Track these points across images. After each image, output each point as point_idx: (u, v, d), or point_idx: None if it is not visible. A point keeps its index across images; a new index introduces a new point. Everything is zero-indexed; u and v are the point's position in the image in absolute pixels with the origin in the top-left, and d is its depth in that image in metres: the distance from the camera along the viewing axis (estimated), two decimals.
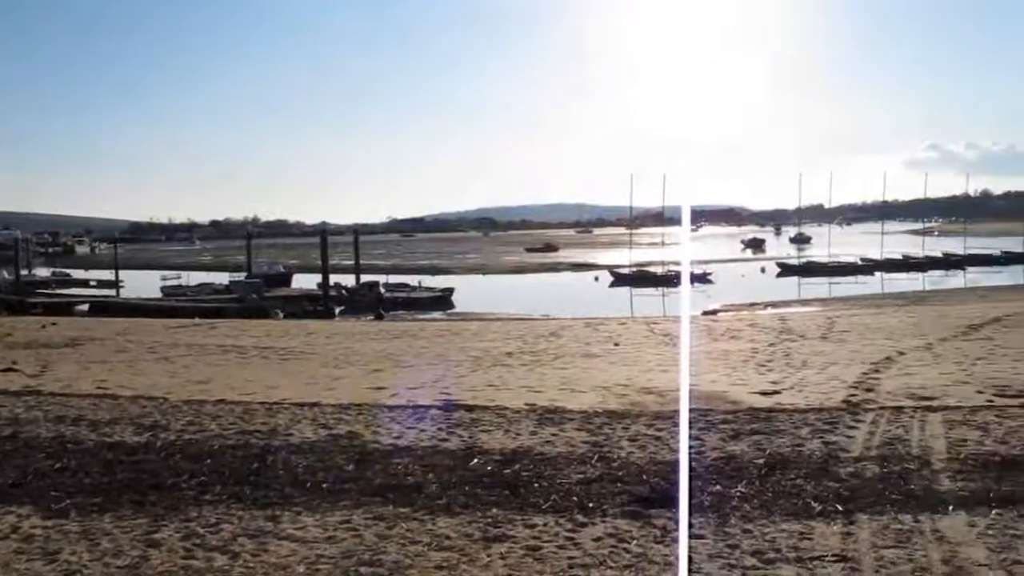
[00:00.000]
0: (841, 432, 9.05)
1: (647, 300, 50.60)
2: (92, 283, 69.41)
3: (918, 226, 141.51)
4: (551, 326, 24.59)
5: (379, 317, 41.34)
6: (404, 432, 9.49)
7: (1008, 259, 79.10)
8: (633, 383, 13.03)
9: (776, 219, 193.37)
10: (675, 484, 6.72)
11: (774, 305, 41.99)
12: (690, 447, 8.29)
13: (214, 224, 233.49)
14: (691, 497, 6.45)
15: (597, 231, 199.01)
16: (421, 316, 42.32)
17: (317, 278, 54.92)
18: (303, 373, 14.99)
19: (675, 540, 5.75)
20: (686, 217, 5.46)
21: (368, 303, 48.02)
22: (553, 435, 9.25)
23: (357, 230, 74.00)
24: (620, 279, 65.41)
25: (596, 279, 68.47)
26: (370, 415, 10.54)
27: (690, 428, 9.04)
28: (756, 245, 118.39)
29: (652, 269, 66.03)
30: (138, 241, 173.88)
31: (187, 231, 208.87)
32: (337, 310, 47.30)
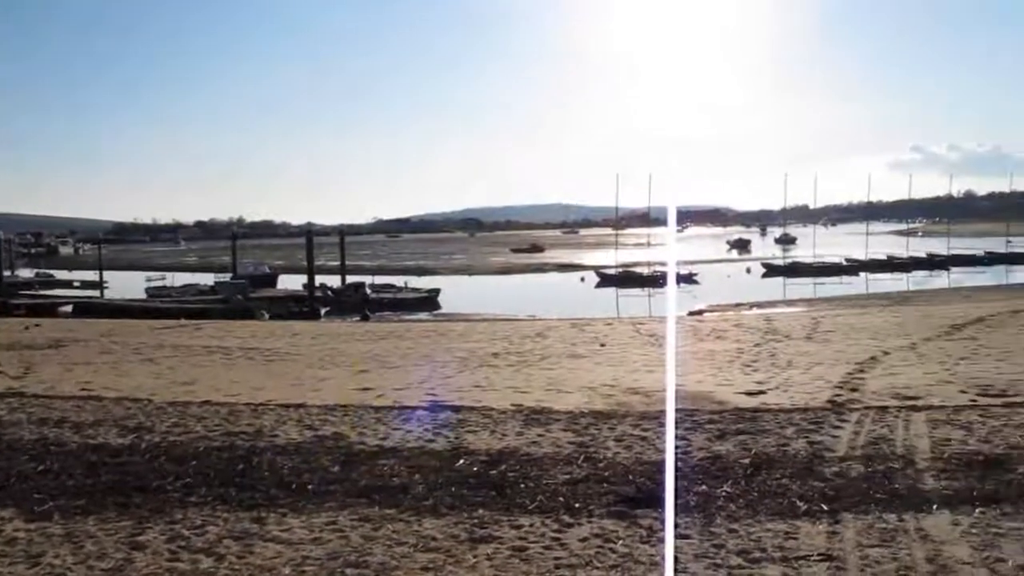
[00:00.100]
0: (826, 432, 9.08)
1: (633, 301, 50.73)
2: (76, 284, 68.92)
3: (902, 227, 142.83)
4: (537, 327, 24.59)
5: (365, 318, 41.25)
6: (390, 433, 9.46)
7: (991, 259, 79.86)
8: (619, 383, 13.05)
9: (762, 220, 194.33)
10: (661, 484, 6.73)
11: (759, 305, 42.17)
12: (676, 447, 8.30)
13: (199, 225, 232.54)
14: (677, 497, 6.46)
15: (583, 232, 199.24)
16: (407, 317, 42.23)
17: (303, 279, 54.78)
18: (289, 374, 14.94)
19: (661, 540, 5.76)
20: (672, 218, 5.46)
21: (354, 304, 47.92)
22: (539, 436, 9.25)
23: (343, 231, 73.85)
24: (606, 280, 65.51)
25: (582, 280, 68.54)
26: (356, 416, 10.51)
27: (676, 428, 9.05)
28: (742, 246, 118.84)
29: (638, 270, 66.21)
30: (122, 242, 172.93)
31: (172, 232, 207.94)
32: (323, 311, 47.16)
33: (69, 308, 45.95)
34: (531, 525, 6.25)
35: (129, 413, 10.92)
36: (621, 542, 5.87)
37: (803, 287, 58.56)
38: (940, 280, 64.36)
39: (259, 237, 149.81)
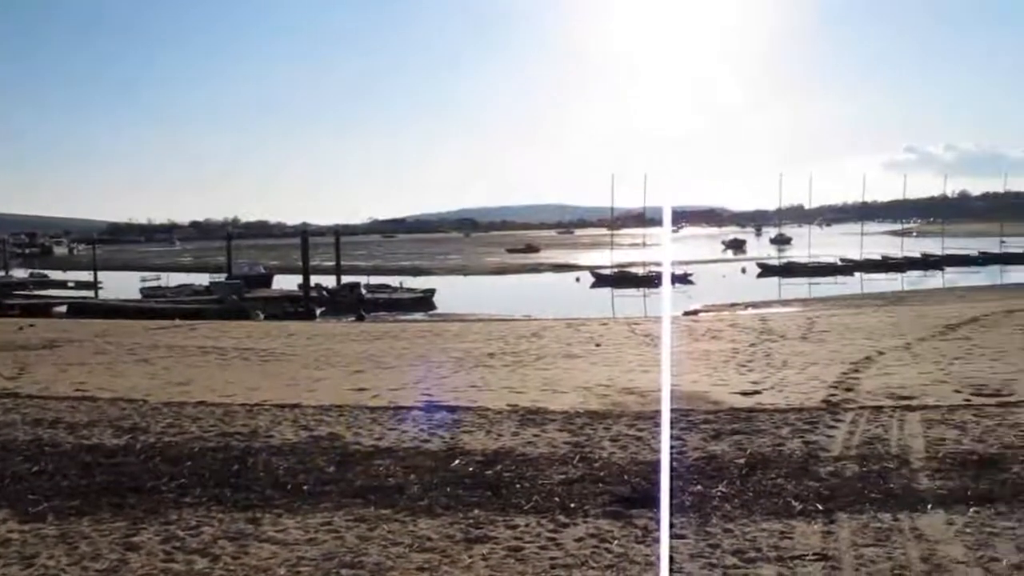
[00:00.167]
0: (821, 432, 9.10)
1: (628, 301, 50.73)
2: (70, 284, 68.81)
3: (897, 227, 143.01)
4: (533, 327, 24.59)
5: (360, 318, 41.24)
6: (386, 433, 9.46)
7: (985, 259, 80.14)
8: (614, 383, 13.05)
9: (757, 220, 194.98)
10: (656, 484, 6.73)
11: (755, 305, 42.23)
12: (671, 447, 8.31)
13: (194, 225, 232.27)
14: (672, 497, 6.47)
15: (578, 232, 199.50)
16: (402, 317, 42.22)
17: (298, 279, 54.70)
18: (284, 375, 14.92)
19: (656, 540, 5.77)
20: (667, 218, 5.47)
21: (349, 304, 47.91)
22: (535, 436, 9.25)
23: (338, 231, 73.87)
24: (601, 280, 65.56)
25: (577, 280, 68.59)
26: (351, 416, 10.50)
27: (671, 428, 9.07)
28: (737, 246, 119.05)
29: (633, 270, 66.21)
30: (117, 242, 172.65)
31: (167, 232, 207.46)
32: (318, 311, 47.09)
33: (63, 308, 45.94)
34: (527, 525, 6.25)
35: (124, 414, 10.90)
36: (617, 542, 5.87)
37: (798, 287, 58.67)
38: (935, 280, 64.51)
39: (254, 237, 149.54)
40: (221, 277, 60.22)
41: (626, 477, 7.37)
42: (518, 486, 7.20)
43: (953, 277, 66.26)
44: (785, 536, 5.90)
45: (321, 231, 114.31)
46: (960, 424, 9.30)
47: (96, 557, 5.75)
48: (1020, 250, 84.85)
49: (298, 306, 46.77)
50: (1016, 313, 23.20)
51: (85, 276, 69.09)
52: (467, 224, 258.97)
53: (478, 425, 9.87)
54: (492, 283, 73.43)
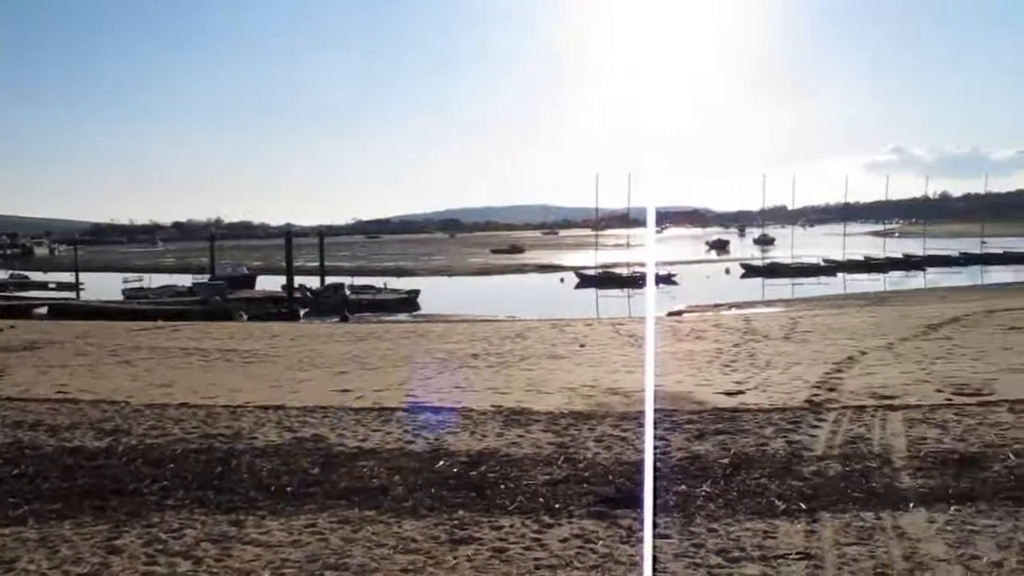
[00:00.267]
0: (804, 431, 9.14)
1: (613, 301, 50.80)
2: (51, 285, 68.26)
3: (879, 228, 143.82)
4: (517, 327, 24.59)
5: (344, 319, 41.12)
6: (370, 435, 9.44)
7: (966, 260, 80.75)
8: (599, 384, 13.07)
9: (740, 220, 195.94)
10: (641, 484, 6.76)
11: (738, 306, 42.34)
12: (655, 447, 8.33)
13: (177, 226, 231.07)
14: (656, 497, 6.49)
15: (563, 232, 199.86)
16: (387, 318, 42.11)
17: (281, 280, 54.45)
18: (267, 376, 14.86)
19: (641, 540, 5.78)
20: (651, 218, 5.49)
21: (333, 305, 47.75)
22: (519, 436, 9.25)
23: (322, 231, 73.68)
24: (586, 280, 65.62)
25: (562, 280, 68.60)
26: (335, 418, 10.47)
27: (655, 428, 9.09)
28: (720, 246, 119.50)
29: (618, 270, 66.32)
30: (99, 243, 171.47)
31: (149, 233, 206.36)
32: (302, 312, 46.93)
33: (44, 310, 45.55)
34: (511, 526, 6.25)
35: (105, 416, 10.82)
36: (601, 542, 5.88)
37: (781, 288, 58.91)
38: (916, 280, 64.95)
39: (237, 238, 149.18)
40: (204, 278, 59.85)
41: (611, 477, 7.39)
42: (503, 487, 7.20)
43: (935, 278, 66.77)
44: (769, 535, 5.92)
45: (305, 232, 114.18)
46: (941, 423, 9.36)
47: (78, 561, 5.71)
48: (1000, 251, 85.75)
49: (282, 307, 46.56)
50: (996, 313, 23.40)
51: (66, 277, 68.46)
52: (452, 225, 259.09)
53: (462, 426, 9.86)
54: (476, 284, 73.37)
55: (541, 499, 6.83)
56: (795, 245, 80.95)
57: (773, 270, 72.15)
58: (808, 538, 5.86)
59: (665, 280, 58.35)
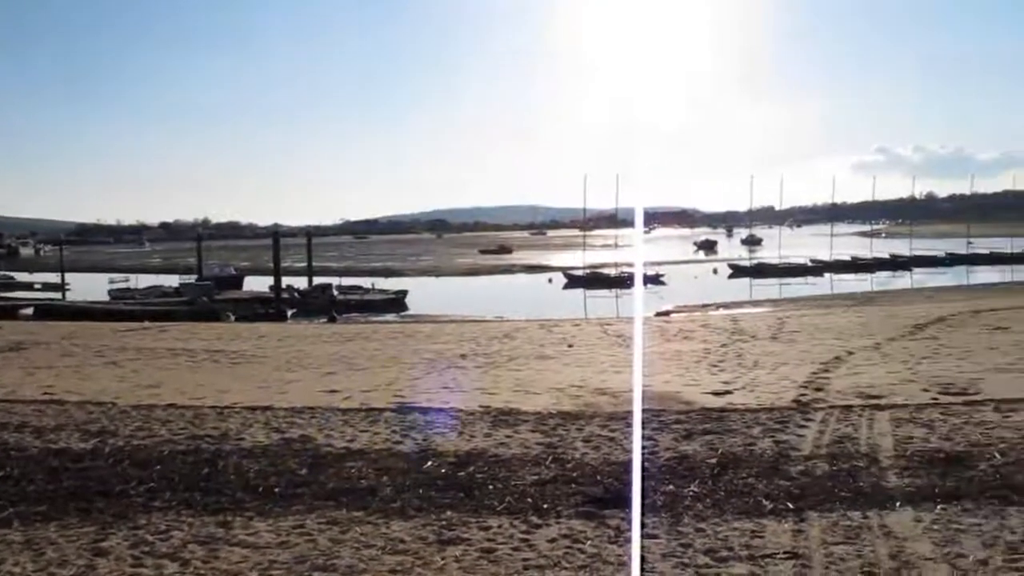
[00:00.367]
0: (792, 431, 9.17)
1: (601, 301, 50.85)
2: (37, 286, 67.86)
3: (866, 228, 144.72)
4: (505, 328, 24.60)
5: (332, 320, 41.01)
6: (357, 435, 9.42)
7: (952, 260, 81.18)
8: (587, 384, 13.08)
9: (728, 221, 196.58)
10: (628, 484, 6.76)
11: (726, 306, 42.45)
12: (643, 447, 8.34)
13: (164, 226, 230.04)
14: (644, 497, 6.50)
15: (551, 233, 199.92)
16: (374, 318, 41.99)
17: (269, 280, 54.24)
18: (255, 377, 14.81)
19: (629, 540, 5.78)
20: (639, 219, 5.51)
21: (321, 305, 47.64)
22: (507, 437, 9.25)
23: (310, 232, 73.48)
24: (574, 281, 65.67)
25: (550, 281, 68.64)
26: (323, 418, 10.45)
27: (643, 428, 9.11)
28: (708, 247, 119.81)
29: (605, 271, 66.39)
30: (85, 243, 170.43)
31: (136, 233, 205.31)
32: (289, 313, 46.78)
33: (30, 310, 45.24)
34: (499, 526, 6.25)
35: (92, 417, 10.77)
36: (589, 542, 5.89)
37: (769, 288, 59.09)
38: (903, 281, 65.24)
39: (225, 238, 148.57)
40: (191, 278, 59.62)
41: (599, 477, 7.39)
42: (491, 487, 7.20)
43: (921, 278, 67.10)
44: (756, 535, 5.94)
45: (293, 232, 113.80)
46: (928, 423, 9.41)
47: (63, 563, 5.68)
48: (986, 251, 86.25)
49: (269, 307, 46.39)
50: (982, 313, 23.55)
51: (52, 278, 68.12)
52: (440, 225, 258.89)
53: (451, 426, 9.85)
54: (465, 284, 73.33)
55: (529, 499, 6.84)
56: (783, 245, 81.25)
57: (761, 270, 72.37)
58: (795, 537, 5.88)
59: (653, 280, 58.45)
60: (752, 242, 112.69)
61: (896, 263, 79.58)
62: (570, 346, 18.62)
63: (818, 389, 11.98)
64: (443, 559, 5.66)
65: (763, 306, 42.69)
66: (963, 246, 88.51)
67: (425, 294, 57.57)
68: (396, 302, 51.69)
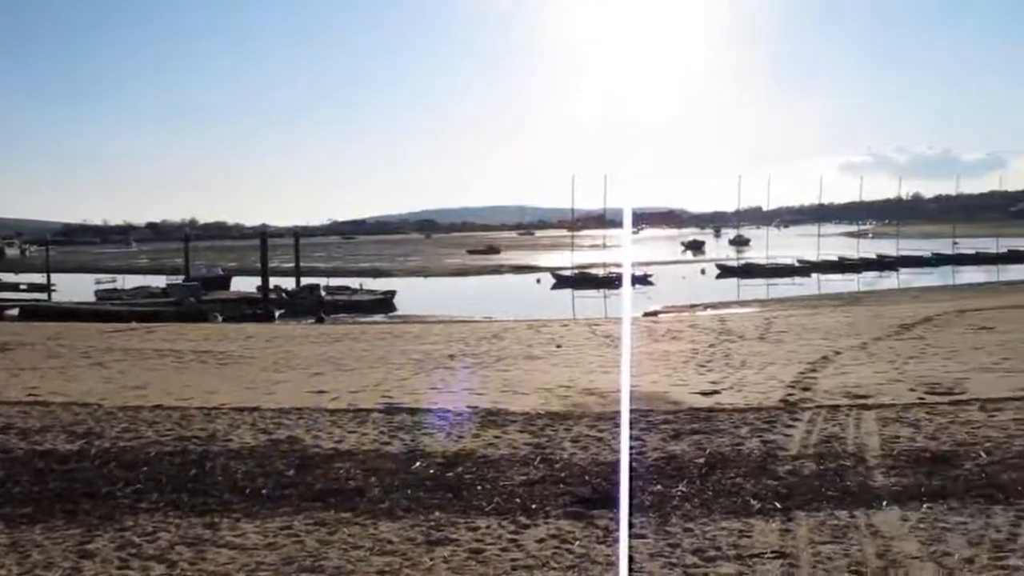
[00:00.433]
0: (779, 431, 9.20)
1: (589, 302, 50.86)
2: (22, 287, 67.33)
3: (853, 228, 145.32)
4: (493, 328, 24.60)
5: (320, 320, 40.93)
6: (345, 436, 9.40)
7: (938, 260, 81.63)
8: (575, 384, 13.09)
9: (716, 221, 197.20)
10: (617, 484, 6.77)
11: (714, 306, 42.55)
12: (631, 447, 8.35)
13: (151, 226, 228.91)
14: (632, 497, 6.51)
15: (539, 233, 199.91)
16: (362, 319, 41.91)
17: (256, 281, 54.03)
18: (242, 377, 14.76)
19: (617, 540, 5.79)
20: (627, 219, 5.51)
21: (308, 306, 47.52)
22: (496, 437, 9.25)
23: (297, 232, 73.26)
24: (562, 281, 65.71)
25: (538, 281, 68.65)
26: (311, 419, 10.41)
27: (631, 429, 9.12)
28: (696, 247, 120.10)
29: (594, 271, 66.47)
30: (71, 243, 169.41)
31: (123, 233, 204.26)
32: (277, 313, 46.60)
33: (15, 311, 44.91)
34: (488, 527, 6.25)
35: (78, 418, 10.70)
36: (577, 542, 5.89)
37: (756, 288, 59.23)
38: (889, 281, 65.52)
39: (212, 239, 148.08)
40: (178, 279, 59.34)
41: (587, 478, 7.40)
42: (479, 488, 7.19)
43: (907, 278, 67.40)
44: (744, 534, 5.96)
45: (280, 232, 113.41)
46: (914, 422, 9.46)
47: (49, 565, 5.65)
48: (972, 251, 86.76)
49: (257, 308, 46.22)
50: (968, 313, 23.69)
51: (38, 278, 67.64)
52: (428, 225, 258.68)
53: (439, 427, 9.84)
54: (453, 285, 73.29)
55: (518, 500, 6.84)
56: (770, 246, 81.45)
57: (748, 271, 72.57)
58: (783, 537, 5.90)
59: (641, 281, 58.54)
60: (740, 242, 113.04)
61: (883, 263, 79.91)
62: (558, 346, 18.63)
63: (805, 389, 12.02)
64: (431, 560, 5.66)
65: (751, 306, 42.79)
66: (949, 246, 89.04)
67: (413, 295, 57.48)
68: (384, 303, 51.58)
